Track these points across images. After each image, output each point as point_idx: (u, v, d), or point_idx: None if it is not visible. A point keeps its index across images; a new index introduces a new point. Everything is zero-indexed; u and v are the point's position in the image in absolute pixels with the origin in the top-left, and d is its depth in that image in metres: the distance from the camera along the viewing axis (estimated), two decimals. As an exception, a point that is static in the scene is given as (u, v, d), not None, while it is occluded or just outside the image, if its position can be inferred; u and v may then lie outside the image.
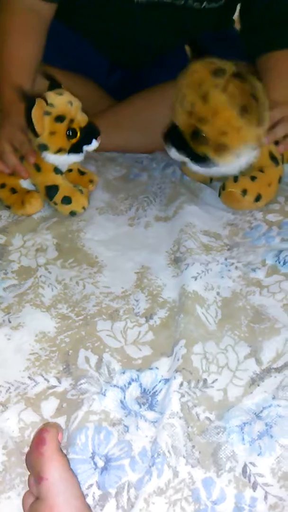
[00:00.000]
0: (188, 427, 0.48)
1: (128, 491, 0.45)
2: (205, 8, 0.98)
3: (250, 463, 0.46)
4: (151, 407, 0.51)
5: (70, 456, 0.46)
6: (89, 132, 0.78)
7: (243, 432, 0.48)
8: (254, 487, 0.45)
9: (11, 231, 0.76)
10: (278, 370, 0.53)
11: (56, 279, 0.67)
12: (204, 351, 0.55)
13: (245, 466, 0.46)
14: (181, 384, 0.51)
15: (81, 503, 0.41)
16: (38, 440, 0.43)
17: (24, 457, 0.46)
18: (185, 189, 0.85)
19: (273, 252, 0.68)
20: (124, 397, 0.52)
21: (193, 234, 0.73)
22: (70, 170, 0.85)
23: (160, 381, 0.53)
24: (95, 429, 0.48)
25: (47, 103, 0.73)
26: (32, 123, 0.73)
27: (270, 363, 0.54)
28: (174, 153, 0.78)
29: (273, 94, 0.78)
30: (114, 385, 0.53)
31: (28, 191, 0.81)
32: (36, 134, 0.75)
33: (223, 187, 0.80)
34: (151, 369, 0.54)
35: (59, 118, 0.75)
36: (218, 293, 0.64)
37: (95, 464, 0.46)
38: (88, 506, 0.42)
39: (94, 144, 0.79)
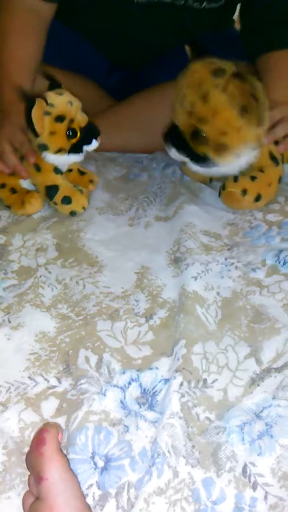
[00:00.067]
0: (188, 427, 0.48)
1: (128, 491, 0.45)
2: (205, 8, 0.98)
3: (250, 463, 0.46)
4: (151, 407, 0.51)
5: (70, 456, 0.46)
6: (89, 132, 0.78)
7: (243, 432, 0.48)
8: (254, 487, 0.45)
9: (11, 231, 0.76)
10: (278, 370, 0.53)
11: (56, 279, 0.67)
12: (204, 351, 0.55)
13: (245, 466, 0.46)
14: (181, 384, 0.51)
15: (81, 503, 0.41)
16: (38, 440, 0.43)
17: (24, 457, 0.46)
18: (185, 189, 0.85)
19: (273, 252, 0.68)
20: (124, 397, 0.52)
21: (193, 234, 0.73)
22: (70, 170, 0.85)
23: (160, 381, 0.53)
24: (95, 429, 0.48)
25: (47, 103, 0.73)
26: (32, 123, 0.73)
27: (270, 363, 0.54)
28: (174, 153, 0.78)
29: (273, 94, 0.78)
30: (114, 385, 0.53)
31: (28, 191, 0.81)
32: (36, 134, 0.75)
33: (223, 187, 0.80)
34: (151, 369, 0.54)
35: (59, 118, 0.75)
36: (218, 293, 0.64)
37: (95, 464, 0.46)
38: (88, 506, 0.42)
39: (94, 144, 0.79)
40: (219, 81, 0.70)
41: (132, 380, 0.53)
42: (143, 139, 0.99)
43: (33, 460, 0.43)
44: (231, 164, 0.75)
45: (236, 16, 1.08)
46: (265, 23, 0.94)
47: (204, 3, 0.97)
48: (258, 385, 0.52)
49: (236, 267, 0.67)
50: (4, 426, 0.49)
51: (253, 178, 0.78)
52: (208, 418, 0.49)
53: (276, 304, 0.62)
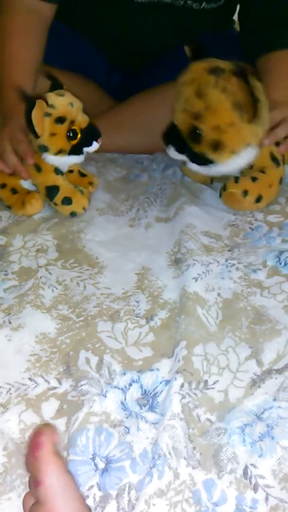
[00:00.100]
0: (189, 428, 0.48)
1: (129, 493, 0.45)
2: (205, 8, 0.98)
3: (251, 464, 0.46)
4: (151, 409, 0.51)
5: (70, 457, 0.46)
6: (90, 134, 0.78)
7: (244, 434, 0.48)
8: (255, 488, 0.45)
9: (11, 232, 0.76)
10: (279, 371, 0.53)
11: (56, 280, 0.67)
12: (205, 352, 0.55)
13: (246, 467, 0.46)
14: (182, 386, 0.51)
15: (81, 504, 0.41)
16: (34, 444, 0.43)
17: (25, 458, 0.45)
18: (186, 190, 0.85)
19: (274, 253, 0.68)
20: (125, 399, 0.52)
21: (193, 235, 0.73)
22: (70, 171, 0.85)
23: (160, 382, 0.53)
24: (96, 430, 0.48)
25: (47, 104, 0.73)
26: (32, 124, 0.73)
27: (271, 364, 0.54)
28: (173, 153, 0.78)
29: (273, 94, 0.78)
30: (115, 386, 0.53)
31: (28, 192, 0.81)
32: (36, 135, 0.75)
33: (224, 188, 0.80)
34: (152, 370, 0.54)
35: (60, 120, 0.74)
36: (218, 294, 0.64)
37: (95, 465, 0.46)
38: (88, 508, 0.42)
39: (95, 145, 0.79)
40: (218, 79, 0.70)
41: (133, 381, 0.53)
42: (143, 139, 0.99)
43: (29, 464, 0.43)
44: (230, 163, 0.75)
45: (236, 16, 1.08)
46: (264, 23, 0.94)
47: (204, 4, 0.97)
48: (259, 387, 0.52)
49: (237, 268, 0.67)
50: (4, 427, 0.49)
51: (254, 179, 0.78)
52: (209, 420, 0.49)
53: (277, 305, 0.61)
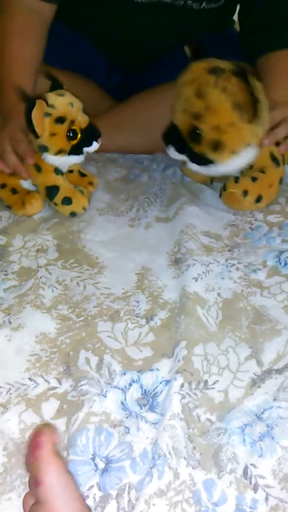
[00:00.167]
0: (189, 428, 0.48)
1: (129, 493, 0.45)
2: (205, 8, 0.98)
3: (251, 464, 0.46)
4: (151, 409, 0.51)
5: (70, 457, 0.46)
6: (90, 134, 0.78)
7: (244, 434, 0.48)
8: (255, 488, 0.45)
9: (11, 232, 0.76)
10: (279, 371, 0.53)
11: (56, 280, 0.67)
12: (205, 352, 0.55)
13: (246, 467, 0.46)
14: (182, 386, 0.51)
15: (81, 504, 0.41)
16: (34, 444, 0.43)
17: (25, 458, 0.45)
18: (186, 190, 0.85)
19: (274, 253, 0.68)
20: (125, 399, 0.52)
21: (193, 235, 0.73)
22: (71, 171, 0.85)
23: (161, 383, 0.53)
24: (96, 430, 0.48)
25: (47, 104, 0.73)
26: (32, 124, 0.73)
27: (271, 364, 0.54)
28: (173, 153, 0.78)
29: (273, 94, 0.78)
30: (115, 386, 0.53)
31: (28, 192, 0.81)
32: (36, 135, 0.75)
33: (224, 188, 0.80)
34: (152, 370, 0.54)
35: (60, 120, 0.74)
36: (218, 294, 0.64)
37: (95, 465, 0.46)
38: (88, 508, 0.42)
39: (95, 146, 0.79)
40: (218, 79, 0.70)
41: (133, 381, 0.53)
42: (143, 139, 0.99)
43: (29, 464, 0.43)
44: (229, 163, 0.75)
45: (236, 16, 1.08)
46: (264, 23, 0.94)
47: (204, 4, 0.97)
48: (259, 387, 0.52)
49: (237, 268, 0.67)
50: (4, 427, 0.49)
51: (254, 179, 0.78)
52: (209, 420, 0.49)
53: (277, 305, 0.61)
